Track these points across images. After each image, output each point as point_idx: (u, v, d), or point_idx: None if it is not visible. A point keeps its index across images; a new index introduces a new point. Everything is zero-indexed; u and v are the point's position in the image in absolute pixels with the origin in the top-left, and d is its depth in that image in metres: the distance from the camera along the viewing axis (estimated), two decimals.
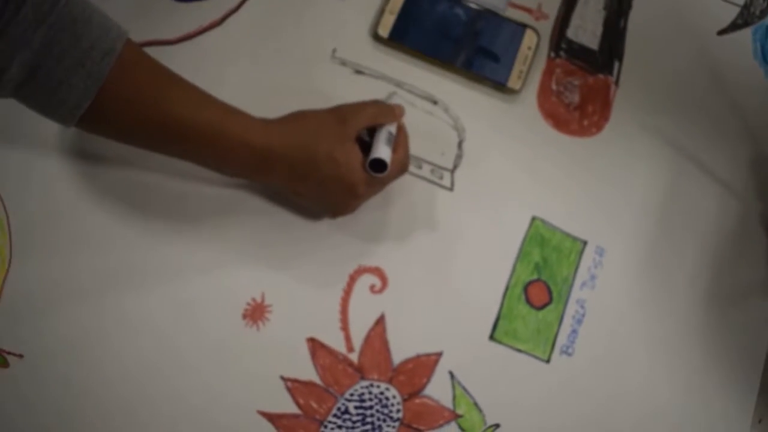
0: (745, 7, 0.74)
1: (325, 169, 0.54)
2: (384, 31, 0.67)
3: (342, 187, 0.55)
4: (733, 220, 0.68)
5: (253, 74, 0.65)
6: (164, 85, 0.51)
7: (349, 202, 0.58)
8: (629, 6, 0.72)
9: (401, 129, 0.59)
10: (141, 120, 0.49)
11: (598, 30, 0.71)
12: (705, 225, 0.67)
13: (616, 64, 0.70)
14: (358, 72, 0.66)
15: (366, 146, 0.56)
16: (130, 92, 0.48)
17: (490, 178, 0.65)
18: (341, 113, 0.56)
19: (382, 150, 0.56)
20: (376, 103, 0.58)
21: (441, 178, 0.64)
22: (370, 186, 0.57)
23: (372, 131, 0.58)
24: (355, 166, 0.55)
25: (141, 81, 0.49)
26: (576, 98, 0.68)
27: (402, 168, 0.59)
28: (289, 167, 0.54)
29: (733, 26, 0.74)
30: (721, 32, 0.73)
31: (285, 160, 0.54)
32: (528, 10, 0.71)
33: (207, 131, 0.51)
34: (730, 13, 0.74)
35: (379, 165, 0.55)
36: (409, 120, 0.64)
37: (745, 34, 0.74)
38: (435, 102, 0.66)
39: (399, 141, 0.58)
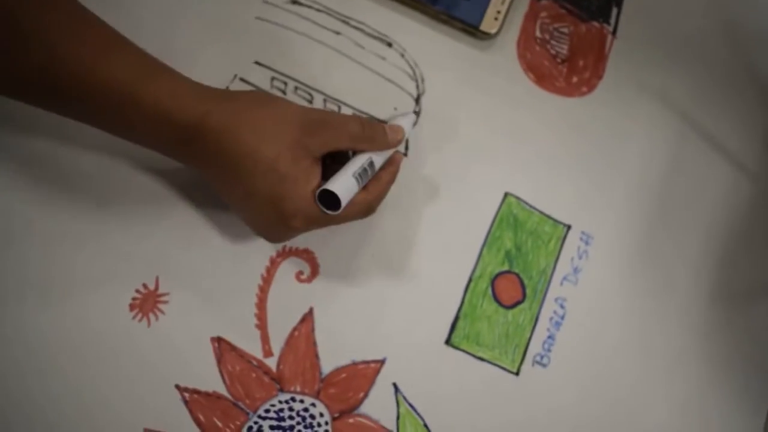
0: None
1: (261, 182, 0.40)
2: None
3: (275, 212, 0.41)
4: (744, 203, 0.56)
5: (172, 7, 0.50)
6: (64, 23, 0.38)
7: (280, 231, 0.44)
8: None
9: (393, 163, 0.46)
10: (29, 67, 0.37)
11: None
12: (712, 209, 0.55)
13: (614, 11, 0.57)
14: (295, 2, 0.52)
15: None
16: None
17: (455, 142, 0.52)
18: (312, 120, 0.42)
19: (342, 181, 0.42)
20: (363, 122, 0.44)
21: None
22: (313, 222, 0.42)
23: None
24: (302, 192, 0.41)
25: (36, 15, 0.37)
26: (564, 49, 0.55)
27: (366, 211, 0.45)
28: (216, 160, 0.40)
29: None
30: None
31: (213, 149, 0.40)
32: None
33: (113, 91, 0.38)
34: None
35: (330, 200, 0.42)
36: (357, 65, 0.52)
37: None
38: (389, 44, 0.53)
39: (379, 178, 0.45)
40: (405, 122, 0.48)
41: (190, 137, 0.40)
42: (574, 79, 0.55)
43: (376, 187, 0.45)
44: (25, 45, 0.38)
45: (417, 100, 0.52)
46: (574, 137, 0.54)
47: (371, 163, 0.44)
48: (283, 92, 0.50)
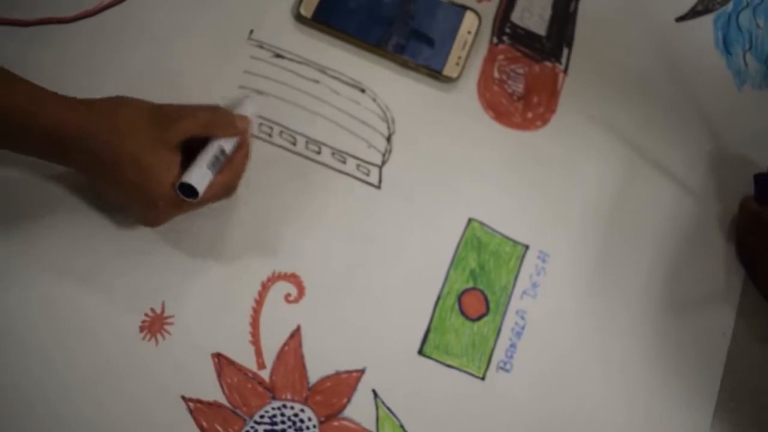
0: None
1: (130, 174, 0.47)
2: (307, 10, 0.60)
3: (144, 200, 0.48)
4: (690, 222, 0.62)
5: (158, 58, 0.58)
6: None
7: (151, 216, 0.51)
8: None
9: (243, 146, 0.53)
10: None
11: (546, 13, 0.65)
12: (660, 227, 0.61)
13: (566, 51, 0.64)
14: (278, 56, 0.59)
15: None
16: None
17: (423, 176, 0.58)
18: (164, 114, 0.48)
19: (197, 172, 0.49)
20: (213, 110, 0.51)
21: (368, 174, 0.57)
22: (178, 207, 0.50)
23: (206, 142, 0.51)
24: (163, 180, 0.47)
25: None
26: (520, 88, 0.62)
27: (226, 192, 0.52)
28: (88, 159, 0.47)
29: (693, 13, 0.68)
30: (681, 19, 0.68)
31: (82, 150, 0.46)
32: None
33: None
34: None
35: (188, 190, 0.49)
36: (334, 110, 0.58)
37: (707, 22, 0.68)
38: (362, 90, 0.59)
39: (232, 160, 0.52)
40: (249, 109, 0.54)
41: (59, 138, 0.45)
42: (530, 115, 0.61)
43: (230, 168, 0.51)
44: None
45: (388, 139, 0.59)
46: (531, 167, 0.60)
47: (222, 150, 0.50)
48: (269, 135, 0.57)
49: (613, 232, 0.60)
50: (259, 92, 0.58)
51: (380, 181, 0.57)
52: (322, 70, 0.60)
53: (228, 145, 0.51)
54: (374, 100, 0.59)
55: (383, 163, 0.58)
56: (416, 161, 0.58)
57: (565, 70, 0.63)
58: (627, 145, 0.62)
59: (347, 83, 0.60)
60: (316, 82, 0.59)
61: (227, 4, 0.60)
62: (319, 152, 0.57)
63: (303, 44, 0.60)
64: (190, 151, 0.49)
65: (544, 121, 0.62)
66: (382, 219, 0.57)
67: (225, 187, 0.51)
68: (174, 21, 0.59)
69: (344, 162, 0.57)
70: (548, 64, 0.63)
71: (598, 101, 0.63)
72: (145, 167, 0.47)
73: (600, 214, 0.60)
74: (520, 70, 0.62)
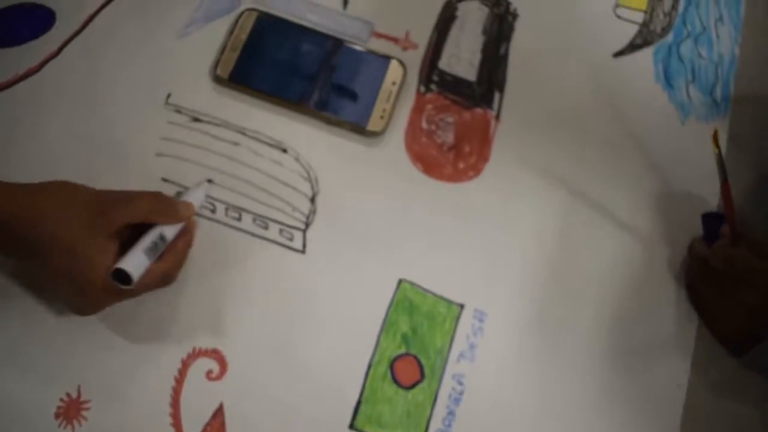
0: (644, 25, 0.67)
1: (60, 263, 0.46)
2: (224, 71, 0.58)
3: (76, 288, 0.47)
4: (637, 267, 0.59)
5: (74, 127, 0.56)
6: None
7: (85, 305, 0.49)
8: (511, 29, 0.64)
9: (186, 233, 0.51)
10: None
11: (476, 58, 0.62)
12: (604, 274, 0.58)
13: (497, 96, 0.62)
14: (196, 119, 0.57)
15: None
16: None
17: (349, 237, 0.56)
18: (104, 201, 0.48)
19: (133, 258, 0.47)
20: (154, 196, 0.50)
21: (291, 239, 0.55)
22: (112, 295, 0.48)
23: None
24: (96, 267, 0.46)
25: None
26: (450, 137, 0.60)
27: (164, 280, 0.51)
28: (13, 243, 0.46)
29: (631, 47, 0.66)
30: (618, 54, 0.66)
31: (9, 232, 0.45)
32: (394, 39, 0.62)
33: None
34: (627, 32, 0.66)
35: (123, 276, 0.47)
36: (255, 172, 0.56)
37: (646, 55, 0.66)
38: (284, 150, 0.57)
39: (173, 247, 0.50)
40: (196, 195, 0.53)
41: None
42: (461, 165, 0.59)
43: (171, 255, 0.50)
44: None
45: (312, 200, 0.56)
46: (464, 220, 0.58)
47: (162, 237, 0.49)
48: None
49: (554, 284, 0.57)
50: (181, 159, 0.56)
51: (304, 245, 0.55)
52: (242, 131, 0.57)
53: (170, 231, 0.50)
54: (297, 159, 0.57)
55: (307, 225, 0.55)
56: (342, 222, 0.56)
57: (498, 116, 0.61)
58: (566, 189, 0.60)
59: (268, 144, 0.57)
60: (236, 144, 0.57)
61: (143, 69, 0.59)
62: (239, 219, 0.55)
63: (221, 106, 0.58)
64: (136, 237, 0.48)
65: (477, 170, 0.59)
66: (307, 286, 0.54)
67: (163, 274, 0.50)
68: (89, 88, 0.58)
69: (266, 227, 0.55)
70: (479, 110, 0.61)
71: (533, 146, 0.61)
72: (76, 253, 0.45)
73: (539, 265, 0.57)
74: (450, 119, 0.60)
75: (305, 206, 0.56)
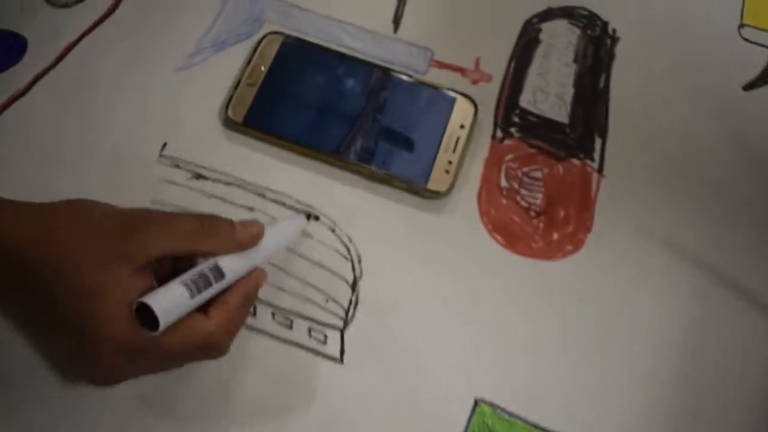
0: None
1: (65, 300, 0.32)
2: (238, 112, 0.44)
3: (80, 338, 0.32)
4: None
5: (36, 191, 0.42)
6: None
7: (96, 368, 0.34)
8: (611, 56, 0.49)
9: (248, 281, 0.36)
10: None
11: (568, 94, 0.48)
12: (758, 379, 0.42)
13: (598, 142, 0.46)
14: (199, 176, 0.43)
15: None
16: None
17: (404, 339, 0.40)
18: (132, 223, 0.34)
19: (167, 292, 0.32)
20: (204, 217, 0.35)
21: (324, 341, 0.40)
22: (128, 351, 0.32)
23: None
24: (114, 309, 0.32)
25: None
26: (539, 199, 0.44)
27: (208, 344, 0.34)
28: (17, 284, 0.34)
29: (765, 77, 0.51)
30: (749, 87, 0.50)
31: (14, 273, 0.33)
32: (460, 70, 0.48)
33: None
34: (758, 59, 0.51)
35: (147, 316, 0.32)
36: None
37: None
38: (316, 217, 0.42)
39: (224, 300, 0.34)
40: (282, 229, 0.39)
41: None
42: (555, 236, 0.44)
43: (220, 311, 0.34)
44: None
45: (353, 287, 0.41)
46: (560, 314, 0.42)
47: (216, 268, 0.34)
48: None
49: (690, 398, 0.41)
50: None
51: (342, 351, 0.40)
52: (260, 192, 0.43)
53: (230, 265, 0.34)
54: (333, 230, 0.42)
55: (346, 323, 0.40)
56: (394, 317, 0.41)
57: (600, 169, 0.46)
58: (697, 269, 0.44)
59: (294, 209, 0.43)
60: (251, 209, 0.43)
61: (131, 111, 0.45)
62: (253, 314, 0.40)
63: (233, 158, 0.44)
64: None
65: (577, 244, 0.44)
66: (346, 407, 0.38)
67: (207, 337, 0.34)
68: (56, 139, 0.44)
69: (290, 326, 0.40)
70: (576, 161, 0.46)
71: (649, 208, 0.45)
72: (87, 291, 0.32)
73: (668, 382, 0.41)
74: (538, 174, 0.45)
75: (344, 295, 0.41)
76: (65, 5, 0.48)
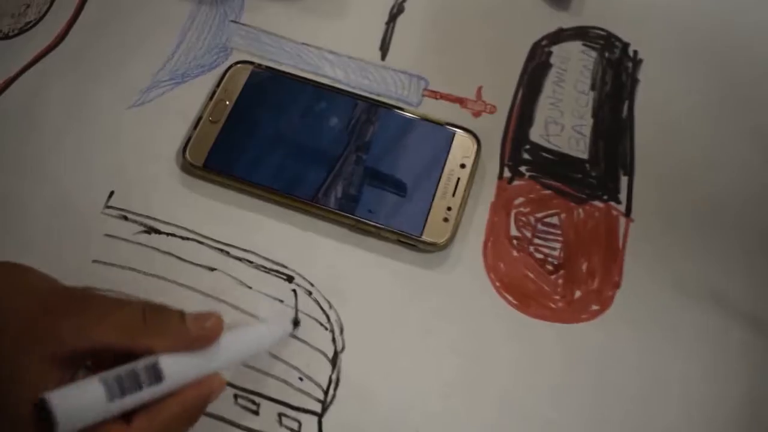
0: None
1: None
2: (198, 154, 0.38)
3: None
4: None
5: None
6: None
7: None
8: (633, 81, 0.43)
9: (200, 385, 0.28)
10: None
11: (586, 125, 0.41)
12: None
13: (624, 181, 0.39)
14: (151, 230, 0.36)
15: None
16: None
17: (394, 428, 0.33)
18: (66, 297, 0.29)
19: (80, 390, 0.26)
20: (149, 308, 0.28)
21: (298, 430, 0.32)
22: None
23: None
24: (18, 398, 0.26)
25: None
26: (556, 249, 0.37)
27: None
28: None
29: None
30: None
31: None
32: (459, 100, 0.41)
33: None
34: None
35: (45, 414, 0.25)
36: (240, 316, 0.35)
37: None
38: (290, 278, 0.35)
39: (165, 405, 0.27)
40: (253, 332, 0.31)
41: None
42: (577, 294, 0.36)
43: (146, 421, 0.27)
44: None
45: (334, 362, 0.34)
46: (586, 387, 0.34)
47: (153, 369, 0.27)
48: None
49: None
50: (125, 295, 0.34)
51: None
52: (223, 249, 0.36)
53: (173, 365, 0.27)
54: (309, 294, 0.35)
55: (325, 408, 0.33)
56: (383, 400, 0.33)
57: (628, 213, 0.39)
58: (746, 329, 0.36)
59: (264, 268, 0.36)
60: (212, 269, 0.36)
61: (72, 155, 0.39)
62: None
63: (191, 208, 0.37)
64: None
65: (604, 303, 0.36)
66: None
67: None
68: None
69: (256, 412, 0.33)
70: (599, 204, 0.39)
71: (687, 258, 0.38)
72: None
73: None
74: (554, 220, 0.38)
75: (323, 373, 0.34)
76: (5, 36, 0.42)
